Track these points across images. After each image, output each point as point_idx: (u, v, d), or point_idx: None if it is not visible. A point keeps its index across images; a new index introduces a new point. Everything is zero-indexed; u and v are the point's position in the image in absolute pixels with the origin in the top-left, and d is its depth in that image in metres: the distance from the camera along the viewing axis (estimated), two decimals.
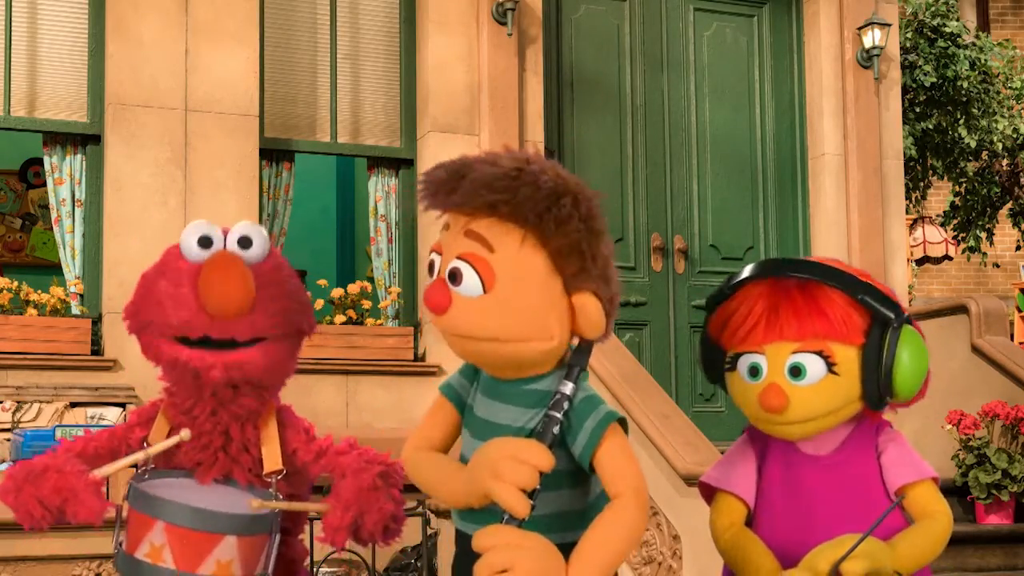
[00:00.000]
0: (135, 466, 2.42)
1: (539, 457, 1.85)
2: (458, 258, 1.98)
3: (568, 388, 1.97)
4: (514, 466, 1.84)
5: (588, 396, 2.04)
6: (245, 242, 2.36)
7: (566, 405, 1.96)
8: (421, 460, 2.15)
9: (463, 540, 2.11)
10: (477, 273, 1.97)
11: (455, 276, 1.98)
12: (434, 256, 2.05)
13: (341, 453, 2.51)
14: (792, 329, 2.13)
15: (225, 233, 2.40)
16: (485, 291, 1.97)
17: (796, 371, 2.14)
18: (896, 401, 2.20)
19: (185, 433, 2.37)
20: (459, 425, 2.17)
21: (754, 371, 2.17)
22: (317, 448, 2.50)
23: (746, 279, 2.20)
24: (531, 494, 1.86)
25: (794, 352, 2.13)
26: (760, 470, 2.27)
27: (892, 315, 2.13)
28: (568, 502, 2.05)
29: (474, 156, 2.03)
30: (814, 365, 2.13)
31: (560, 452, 1.99)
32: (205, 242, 2.33)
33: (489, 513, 1.95)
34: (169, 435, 2.43)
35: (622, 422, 2.03)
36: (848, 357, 2.14)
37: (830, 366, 2.14)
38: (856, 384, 2.15)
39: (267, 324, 2.34)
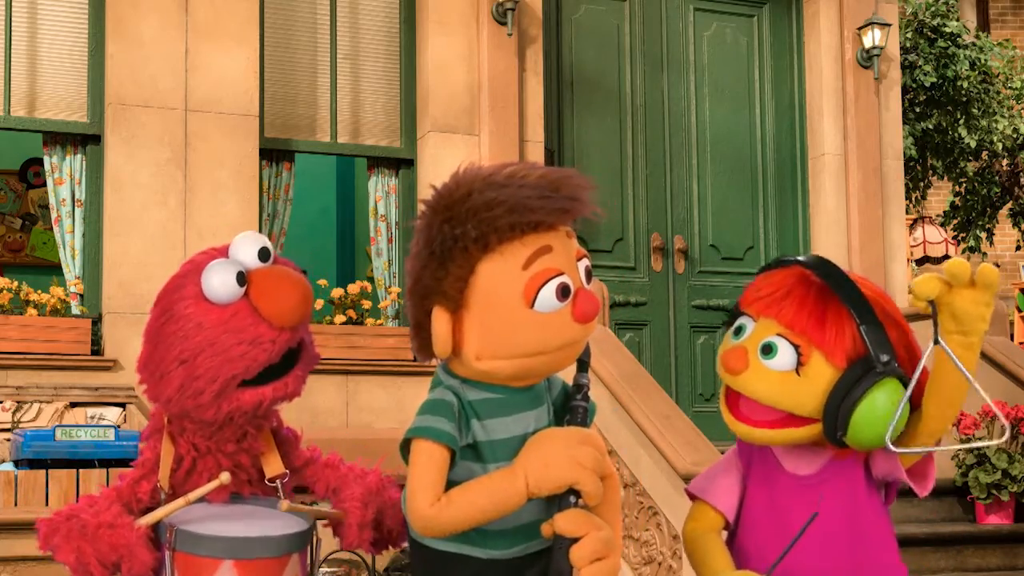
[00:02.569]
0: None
1: (602, 443, 1.99)
2: (579, 259, 2.04)
3: (585, 379, 2.08)
4: (591, 452, 1.94)
5: (565, 385, 2.18)
6: (265, 253, 2.32)
7: (590, 396, 2.07)
8: (451, 499, 1.97)
9: (470, 565, 2.05)
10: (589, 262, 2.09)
11: (590, 272, 2.06)
12: (562, 279, 1.97)
13: (329, 466, 2.48)
14: (789, 314, 2.12)
15: (226, 253, 2.34)
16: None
17: (768, 349, 2.13)
18: (852, 445, 2.13)
19: (225, 476, 2.32)
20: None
21: (739, 331, 2.19)
22: (305, 456, 2.49)
23: (798, 262, 2.20)
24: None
25: (777, 334, 2.13)
26: (745, 486, 2.27)
27: (879, 362, 2.08)
28: None
29: (513, 172, 2.01)
30: (785, 354, 2.11)
31: None
32: (242, 279, 2.28)
33: (518, 531, 2.02)
34: (181, 464, 2.38)
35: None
36: (820, 372, 2.10)
37: (798, 365, 2.11)
38: (813, 402, 2.11)
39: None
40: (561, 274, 1.97)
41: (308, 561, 2.34)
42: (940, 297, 2.04)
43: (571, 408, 2.05)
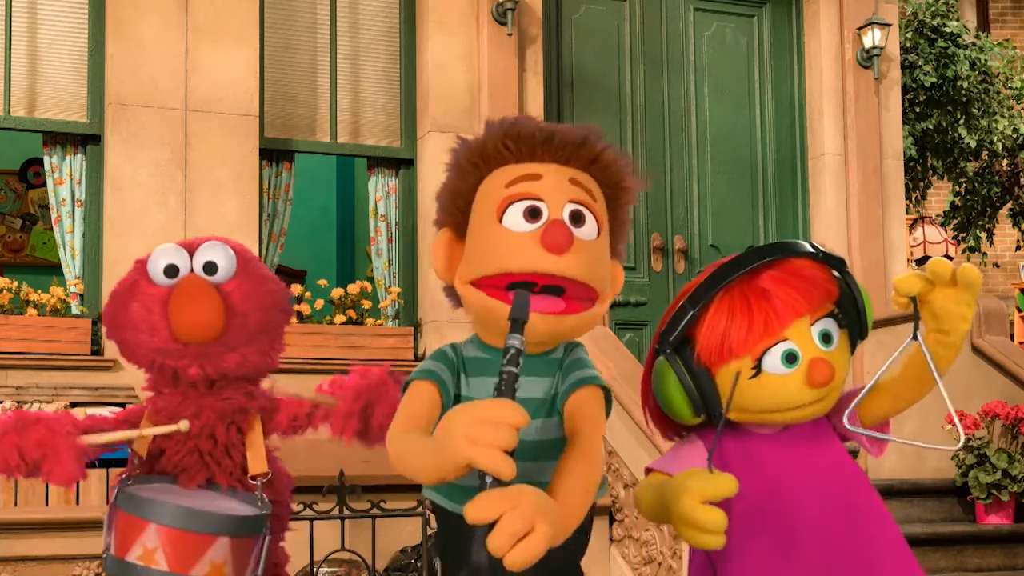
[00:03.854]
0: (123, 472, 2.41)
1: (514, 415, 1.73)
2: (572, 201, 2.01)
3: (518, 341, 1.85)
4: (491, 428, 1.71)
5: (584, 358, 2.12)
6: (211, 267, 2.37)
7: (521, 360, 1.84)
8: (402, 440, 1.97)
9: (448, 518, 2.09)
10: (594, 217, 2.03)
11: (579, 217, 2.01)
12: (535, 202, 2.00)
13: (334, 382, 2.57)
14: (804, 303, 2.12)
15: (191, 251, 2.40)
16: (598, 236, 2.03)
17: (827, 338, 2.14)
18: (864, 337, 2.23)
19: (184, 424, 2.37)
20: (439, 410, 2.05)
21: (791, 357, 2.12)
22: (299, 408, 2.55)
23: (710, 294, 2.14)
24: (510, 454, 1.72)
25: (812, 323, 2.13)
26: (721, 463, 2.23)
27: (840, 259, 2.18)
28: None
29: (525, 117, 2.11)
30: (833, 327, 2.16)
31: (557, 418, 2.05)
32: (171, 271, 2.35)
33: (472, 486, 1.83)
34: (153, 442, 2.42)
35: (607, 394, 2.07)
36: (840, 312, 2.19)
37: (840, 323, 2.17)
38: (847, 337, 2.19)
39: (240, 340, 2.40)
40: (538, 199, 2.00)
41: (256, 553, 2.33)
42: (921, 295, 2.08)
43: (502, 374, 1.84)
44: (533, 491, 1.72)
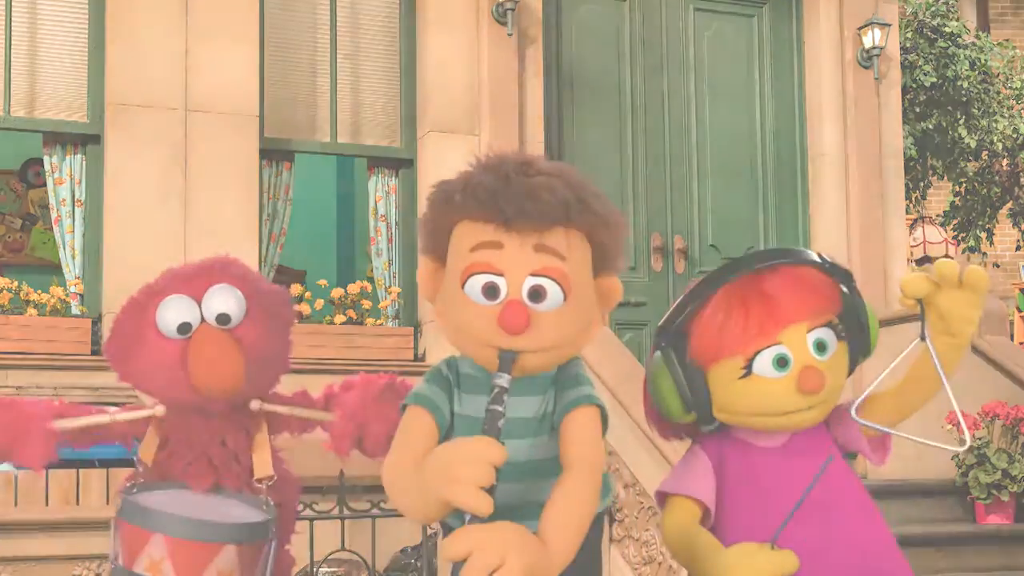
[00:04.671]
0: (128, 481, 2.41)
1: (492, 453, 1.79)
2: (534, 274, 1.96)
3: (505, 380, 1.93)
4: (469, 467, 1.78)
5: (578, 374, 2.09)
6: (224, 319, 2.35)
7: (505, 398, 1.92)
8: (394, 474, 2.02)
9: (449, 533, 2.09)
10: (559, 285, 1.97)
11: (539, 294, 1.96)
12: (493, 278, 1.96)
13: (350, 386, 2.56)
14: (803, 309, 2.11)
15: (199, 298, 2.36)
16: (565, 300, 1.97)
17: (821, 346, 2.12)
18: (868, 355, 2.21)
19: (159, 409, 2.37)
20: (436, 438, 2.08)
21: (782, 362, 2.10)
22: (323, 396, 2.54)
23: (710, 291, 2.14)
24: (489, 490, 1.80)
25: (809, 331, 2.11)
26: (719, 474, 2.23)
27: (848, 272, 2.17)
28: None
29: (509, 163, 1.99)
30: (830, 337, 2.13)
31: (548, 436, 2.05)
32: (184, 328, 2.33)
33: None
34: (161, 449, 2.42)
35: (603, 413, 2.05)
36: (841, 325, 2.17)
37: (839, 335, 2.14)
38: (846, 351, 2.17)
39: (258, 377, 2.41)
40: (496, 274, 1.96)
41: (263, 559, 2.33)
42: (928, 297, 2.07)
43: (487, 412, 1.92)
44: (508, 526, 1.78)
